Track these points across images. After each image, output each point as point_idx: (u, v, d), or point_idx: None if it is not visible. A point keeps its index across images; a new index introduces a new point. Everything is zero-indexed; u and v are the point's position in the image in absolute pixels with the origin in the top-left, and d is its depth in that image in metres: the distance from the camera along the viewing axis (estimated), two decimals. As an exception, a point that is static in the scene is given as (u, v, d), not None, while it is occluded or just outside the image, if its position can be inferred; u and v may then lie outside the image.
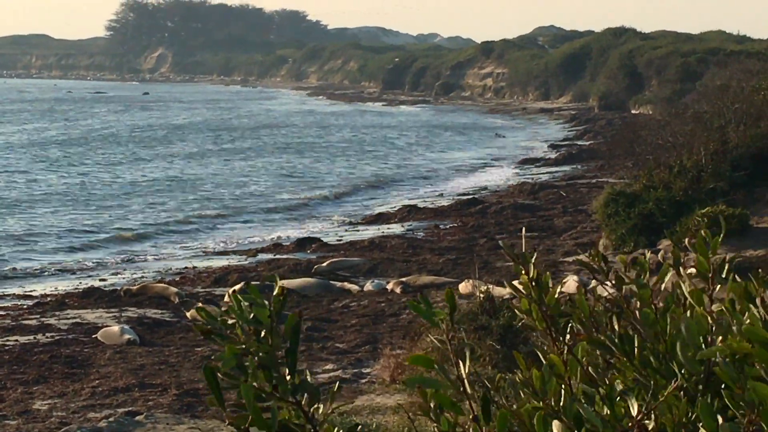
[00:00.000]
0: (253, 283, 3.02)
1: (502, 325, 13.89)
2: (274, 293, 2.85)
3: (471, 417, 2.75)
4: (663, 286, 3.06)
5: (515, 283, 3.05)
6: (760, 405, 2.56)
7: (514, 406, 2.77)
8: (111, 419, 14.31)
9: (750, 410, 2.58)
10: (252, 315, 2.79)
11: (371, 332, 19.31)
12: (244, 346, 2.76)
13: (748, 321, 2.73)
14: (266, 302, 2.81)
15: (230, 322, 2.79)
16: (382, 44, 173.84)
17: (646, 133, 32.97)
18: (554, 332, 2.93)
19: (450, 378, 2.77)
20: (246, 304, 2.80)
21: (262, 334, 2.78)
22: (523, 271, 2.99)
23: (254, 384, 2.71)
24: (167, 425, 14.11)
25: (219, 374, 2.73)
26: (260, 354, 2.76)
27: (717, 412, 2.62)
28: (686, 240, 3.26)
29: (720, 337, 2.79)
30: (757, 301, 2.78)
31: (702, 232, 3.00)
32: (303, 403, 2.77)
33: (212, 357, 2.92)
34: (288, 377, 2.77)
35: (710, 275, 3.01)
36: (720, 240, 3.03)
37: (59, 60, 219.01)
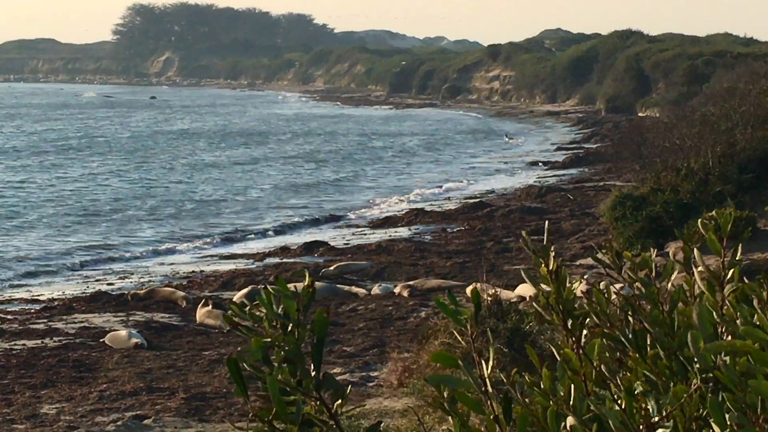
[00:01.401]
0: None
1: (510, 329, 13.87)
2: (304, 285, 2.85)
3: (492, 417, 2.74)
4: (669, 284, 3.05)
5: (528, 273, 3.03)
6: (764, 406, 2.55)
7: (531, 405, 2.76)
8: (119, 423, 14.33)
9: (753, 412, 2.56)
10: (281, 308, 2.78)
11: (379, 336, 19.28)
12: (270, 339, 2.76)
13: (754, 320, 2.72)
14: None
15: (257, 314, 2.79)
16: (389, 48, 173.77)
17: (653, 135, 32.88)
18: (570, 327, 2.92)
19: (474, 377, 2.76)
20: (274, 297, 2.80)
21: (289, 327, 2.77)
22: (542, 264, 2.97)
23: (279, 377, 2.71)
24: (175, 429, 14.12)
25: (245, 365, 2.73)
26: (286, 348, 2.75)
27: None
28: (693, 245, 3.26)
29: (728, 336, 2.79)
30: (755, 302, 2.77)
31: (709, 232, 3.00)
32: (326, 398, 2.77)
33: (239, 349, 2.92)
34: (313, 372, 2.77)
35: (721, 272, 3.00)
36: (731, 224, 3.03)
37: (66, 64, 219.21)
